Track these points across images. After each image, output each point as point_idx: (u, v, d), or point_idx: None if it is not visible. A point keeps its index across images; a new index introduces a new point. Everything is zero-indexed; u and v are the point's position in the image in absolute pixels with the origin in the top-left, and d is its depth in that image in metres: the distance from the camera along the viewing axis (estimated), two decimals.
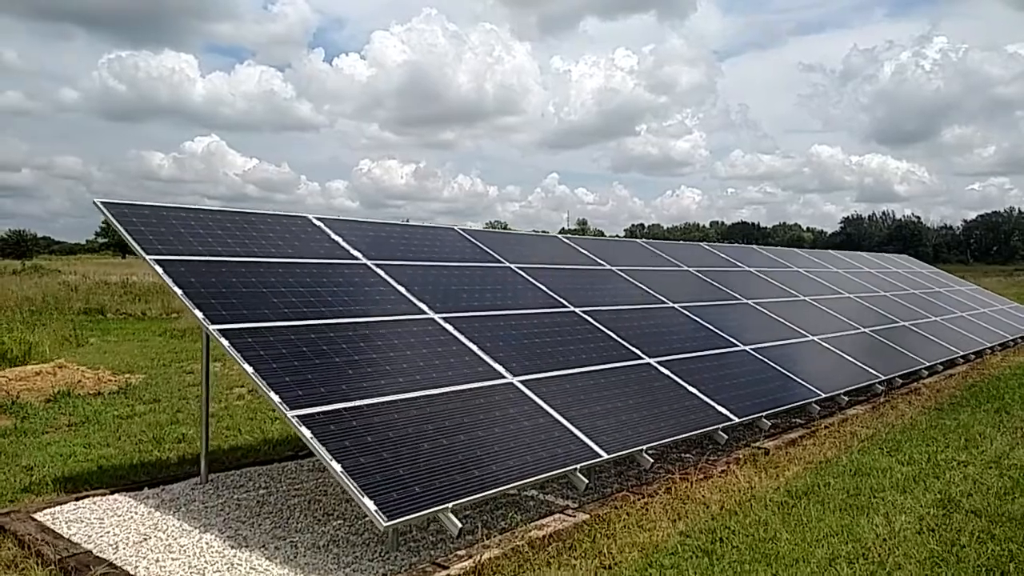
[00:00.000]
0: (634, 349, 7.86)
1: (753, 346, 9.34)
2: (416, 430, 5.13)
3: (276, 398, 4.86)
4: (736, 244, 15.01)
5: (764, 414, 7.60)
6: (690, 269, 11.79)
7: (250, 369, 5.06)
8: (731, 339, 9.27)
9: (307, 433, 4.66)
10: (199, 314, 5.44)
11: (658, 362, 7.78)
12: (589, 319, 8.20)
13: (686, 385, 7.50)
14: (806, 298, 12.77)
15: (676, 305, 9.78)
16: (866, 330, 12.16)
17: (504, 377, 6.25)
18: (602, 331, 8.02)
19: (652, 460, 6.07)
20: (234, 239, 6.72)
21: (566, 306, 8.32)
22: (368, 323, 6.23)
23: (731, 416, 7.23)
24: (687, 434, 6.58)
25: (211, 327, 5.35)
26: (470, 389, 5.87)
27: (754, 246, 15.60)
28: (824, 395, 8.71)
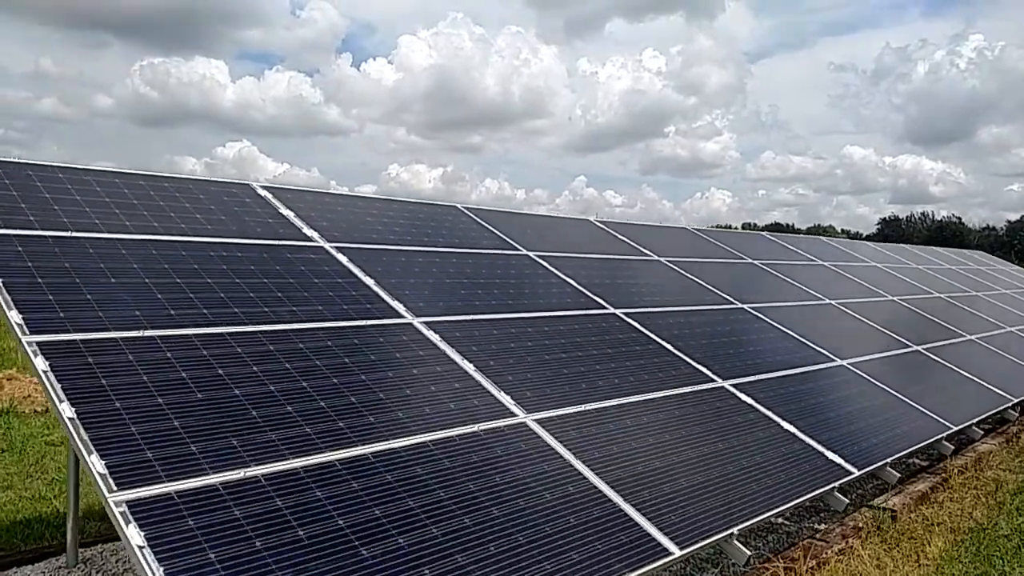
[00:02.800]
0: (700, 367, 5.63)
1: (852, 360, 7.05)
2: (354, 521, 2.96)
3: (98, 466, 2.73)
4: (800, 235, 12.69)
5: (889, 460, 5.34)
6: (755, 262, 9.51)
7: (69, 412, 2.93)
8: (823, 351, 7.00)
9: (137, 538, 2.52)
10: (14, 316, 3.34)
11: (735, 385, 5.54)
12: (636, 324, 5.99)
13: (778, 419, 5.25)
14: (895, 298, 10.43)
15: (746, 306, 7.52)
16: (973, 337, 9.78)
17: (512, 415, 4.07)
18: (654, 341, 5.81)
19: (748, 552, 3.84)
20: (128, 210, 4.63)
21: (604, 306, 6.12)
22: (307, 332, 4.09)
23: (847, 466, 4.97)
24: (795, 502, 4.34)
25: (27, 338, 3.24)
26: (458, 437, 3.70)
27: (821, 237, 13.26)
28: (954, 428, 6.41)
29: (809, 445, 5.06)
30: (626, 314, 6.15)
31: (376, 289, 4.87)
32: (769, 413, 5.30)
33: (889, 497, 5.57)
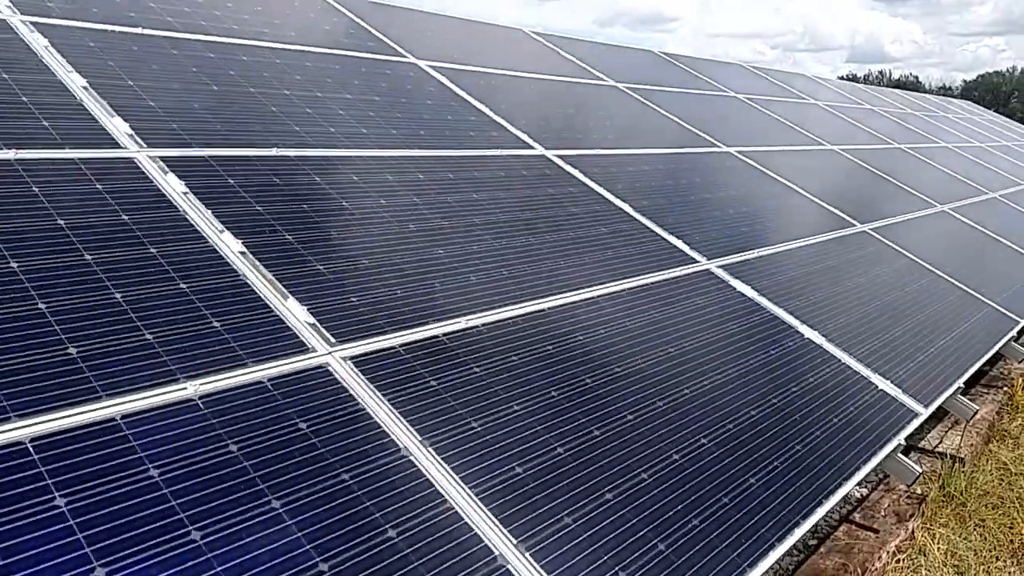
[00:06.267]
0: (673, 239, 3.56)
1: (874, 225, 5.08)
2: None
3: None
4: (777, 69, 10.42)
5: (960, 383, 3.44)
6: (737, 95, 7.31)
7: None
8: (838, 212, 4.99)
9: None
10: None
11: (725, 268, 3.51)
12: (574, 172, 3.86)
13: (794, 322, 3.27)
14: (901, 146, 8.42)
15: (732, 149, 5.40)
16: (995, 195, 7.92)
17: (305, 349, 1.97)
18: (602, 198, 3.70)
19: None
20: None
21: (528, 145, 3.95)
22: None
23: (909, 402, 3.05)
24: (852, 482, 2.40)
25: None
26: (153, 412, 1.59)
27: (797, 72, 11.03)
28: (1023, 321, 4.56)
29: (847, 365, 3.11)
30: (562, 157, 3.99)
31: (93, 109, 2.59)
32: (780, 312, 3.30)
33: (946, 431, 3.74)
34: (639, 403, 2.32)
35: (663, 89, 6.32)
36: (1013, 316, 4.47)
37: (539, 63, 5.65)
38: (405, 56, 4.47)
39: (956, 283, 4.64)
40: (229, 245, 2.19)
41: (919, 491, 3.13)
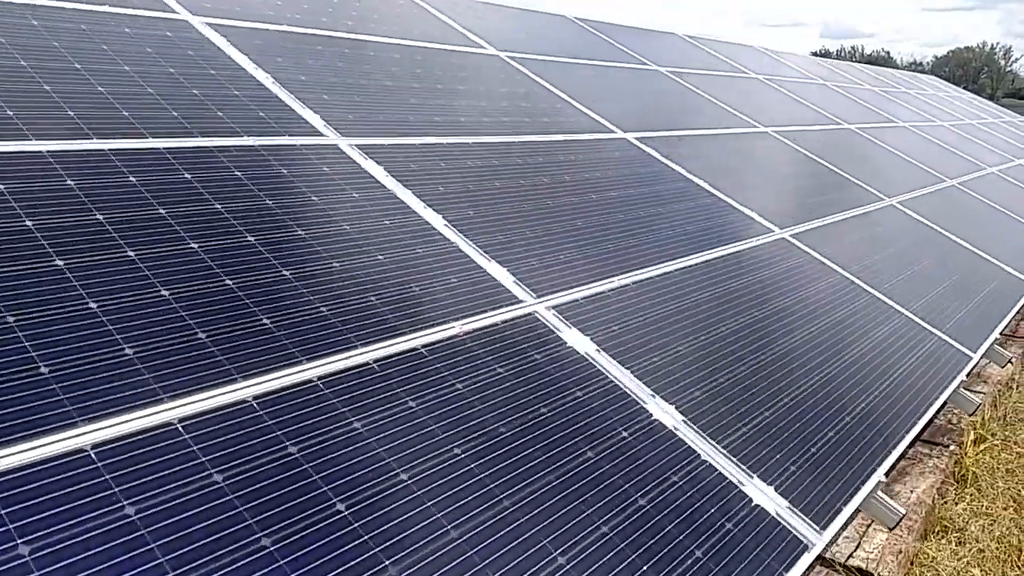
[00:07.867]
0: (492, 265, 2.53)
1: (799, 228, 4.09)
2: None
3: None
4: (721, 40, 9.35)
5: (880, 474, 2.46)
6: (661, 69, 6.27)
7: None
8: (750, 213, 3.99)
9: None
10: None
11: (557, 308, 2.49)
12: (375, 172, 2.80)
13: (644, 393, 2.26)
14: (852, 127, 7.45)
15: (631, 136, 4.37)
16: (953, 182, 6.99)
17: None
18: (406, 207, 2.65)
19: None
20: None
21: (317, 132, 2.89)
22: None
23: (799, 524, 2.06)
24: None
25: None
26: None
27: (753, 45, 10.00)
28: (975, 355, 3.60)
29: (710, 465, 2.11)
30: (363, 148, 2.93)
31: None
32: (625, 376, 2.29)
33: (867, 526, 2.77)
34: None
35: (560, 60, 5.26)
36: (964, 350, 3.51)
37: (391, 23, 4.57)
38: (176, 12, 3.36)
39: (896, 306, 3.67)
40: None
41: None
